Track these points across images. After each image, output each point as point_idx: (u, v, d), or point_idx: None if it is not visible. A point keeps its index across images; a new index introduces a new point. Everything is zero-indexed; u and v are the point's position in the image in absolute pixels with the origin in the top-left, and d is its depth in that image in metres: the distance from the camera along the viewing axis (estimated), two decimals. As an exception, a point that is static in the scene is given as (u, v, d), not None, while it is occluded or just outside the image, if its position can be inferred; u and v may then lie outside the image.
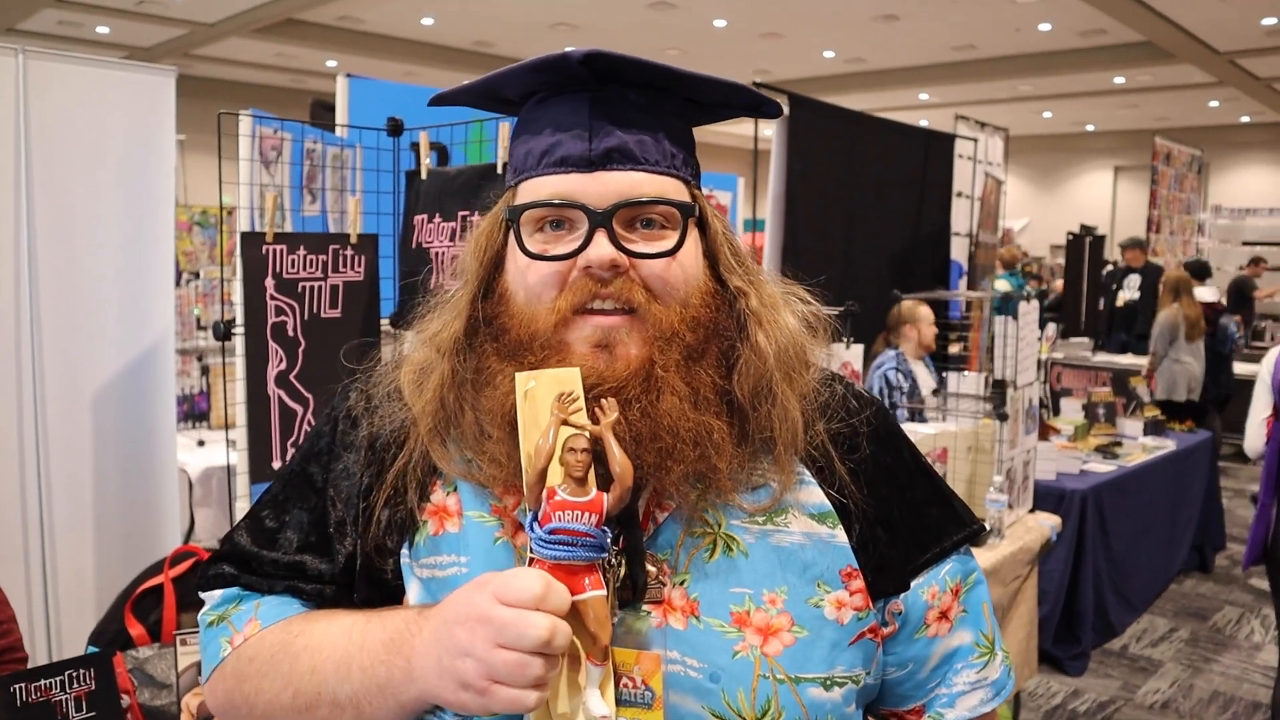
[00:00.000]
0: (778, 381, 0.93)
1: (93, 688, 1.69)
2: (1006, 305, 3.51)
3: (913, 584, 1.00)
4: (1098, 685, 4.21)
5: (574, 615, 0.81)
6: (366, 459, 0.99)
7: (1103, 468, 4.70)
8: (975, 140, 5.59)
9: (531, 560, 0.83)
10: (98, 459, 2.98)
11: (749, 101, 0.98)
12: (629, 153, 0.91)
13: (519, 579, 0.80)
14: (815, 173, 4.20)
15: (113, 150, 2.93)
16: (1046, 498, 4.17)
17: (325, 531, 0.99)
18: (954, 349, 5.11)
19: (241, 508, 2.66)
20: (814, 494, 0.96)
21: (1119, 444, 5.18)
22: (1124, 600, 4.76)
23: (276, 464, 2.14)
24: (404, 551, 0.96)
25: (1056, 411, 5.72)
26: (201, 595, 1.05)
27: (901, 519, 1.00)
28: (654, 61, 0.91)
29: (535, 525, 0.83)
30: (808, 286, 1.03)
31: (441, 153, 2.92)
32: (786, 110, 4.08)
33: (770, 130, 4.15)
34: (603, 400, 0.86)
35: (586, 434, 0.83)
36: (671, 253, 0.91)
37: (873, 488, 0.98)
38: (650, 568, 0.89)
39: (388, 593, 0.96)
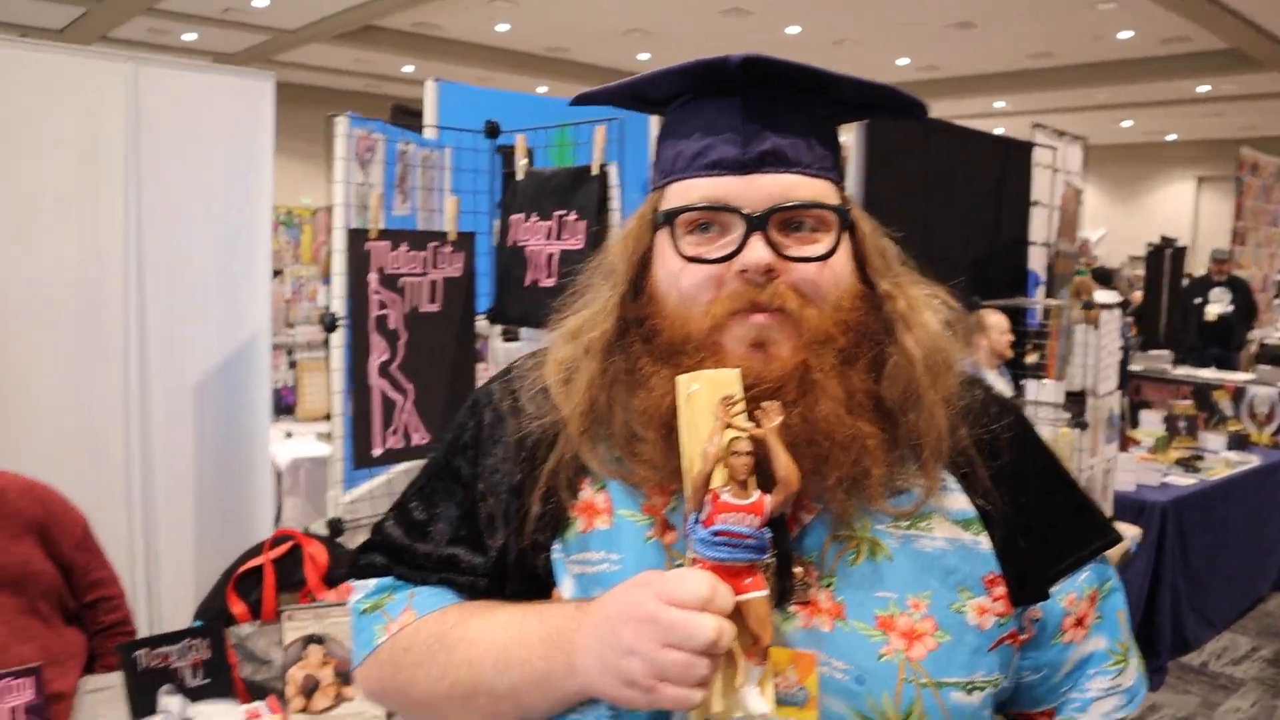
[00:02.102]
0: (924, 386, 0.93)
1: (207, 656, 1.78)
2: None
3: (1052, 590, 0.99)
4: (1176, 701, 4.14)
5: (735, 615, 0.81)
6: (517, 456, 1.00)
7: (1184, 481, 4.62)
8: (1054, 149, 5.53)
9: (694, 560, 0.84)
10: (197, 446, 3.10)
11: (896, 102, 0.97)
12: (782, 156, 0.92)
13: (686, 580, 0.82)
14: (893, 179, 4.21)
15: (215, 151, 3.06)
16: (1126, 509, 4.12)
17: (475, 526, 1.02)
18: (1031, 358, 5.07)
19: (333, 496, 2.76)
20: (958, 500, 0.96)
21: (1200, 457, 5.08)
22: (1202, 617, 4.66)
23: (377, 450, 2.22)
24: (555, 547, 0.97)
25: (1136, 424, 5.62)
26: (352, 583, 1.08)
27: (1042, 526, 0.99)
28: (807, 65, 0.91)
29: (698, 526, 0.83)
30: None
31: (530, 154, 3.00)
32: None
33: (848, 136, 4.16)
34: (764, 403, 0.86)
35: (750, 437, 0.84)
36: (825, 257, 0.92)
37: (1014, 495, 0.98)
38: (797, 570, 0.91)
39: (539, 586, 0.97)
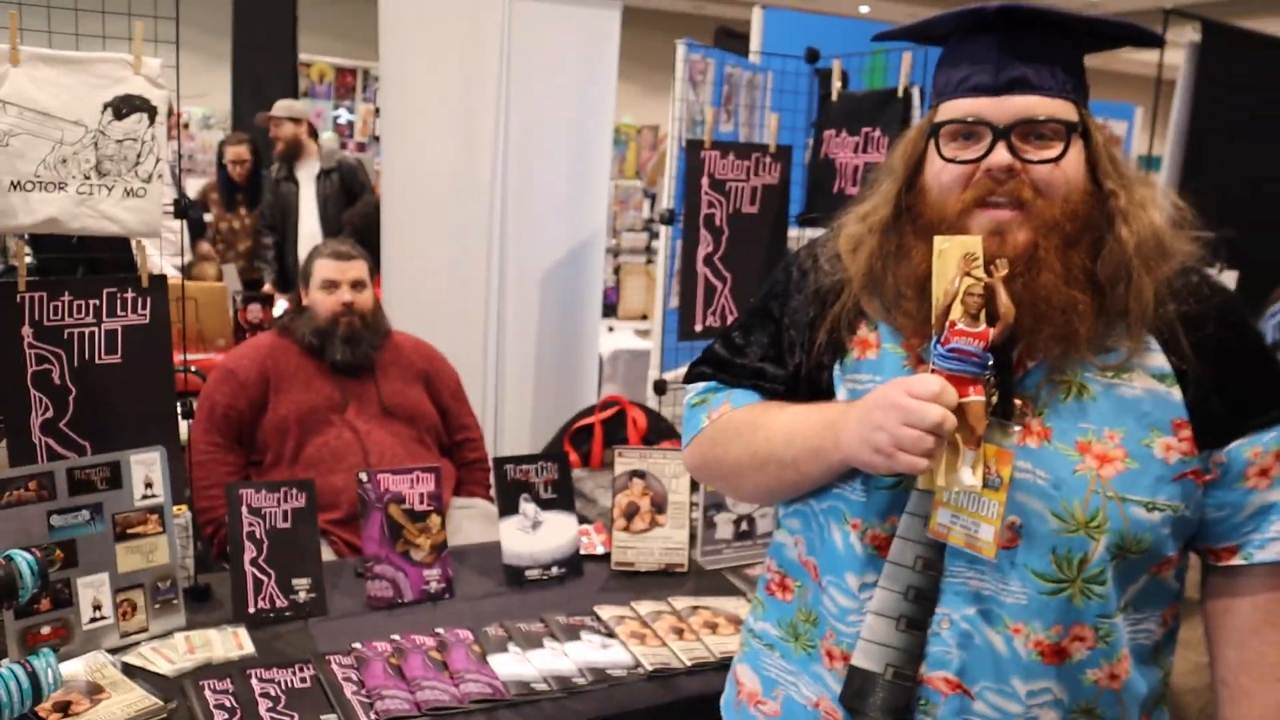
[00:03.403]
0: (1136, 267, 1.16)
1: (555, 478, 2.26)
2: None
3: (1237, 442, 1.19)
4: None
5: (959, 412, 1.10)
6: (813, 301, 1.32)
7: None
8: None
9: (933, 370, 1.12)
10: (540, 327, 3.66)
11: (1133, 35, 1.22)
12: (1027, 81, 1.16)
13: (925, 380, 1.10)
14: (1224, 104, 4.03)
15: (569, 72, 3.53)
16: None
17: (780, 349, 1.35)
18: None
19: (652, 375, 3.21)
20: (1158, 359, 1.19)
21: None
22: None
23: (698, 326, 2.63)
24: (836, 367, 1.29)
25: None
26: (685, 386, 1.48)
27: (1234, 389, 1.20)
28: (1051, 9, 1.16)
29: (938, 346, 1.12)
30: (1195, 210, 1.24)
31: (844, 77, 3.25)
32: (1198, 37, 3.95)
33: (1178, 57, 4.03)
34: (996, 260, 1.12)
35: (983, 284, 1.12)
36: (1056, 160, 1.15)
37: (1211, 361, 1.19)
38: (1017, 401, 1.18)
39: (821, 395, 1.30)
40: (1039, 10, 1.17)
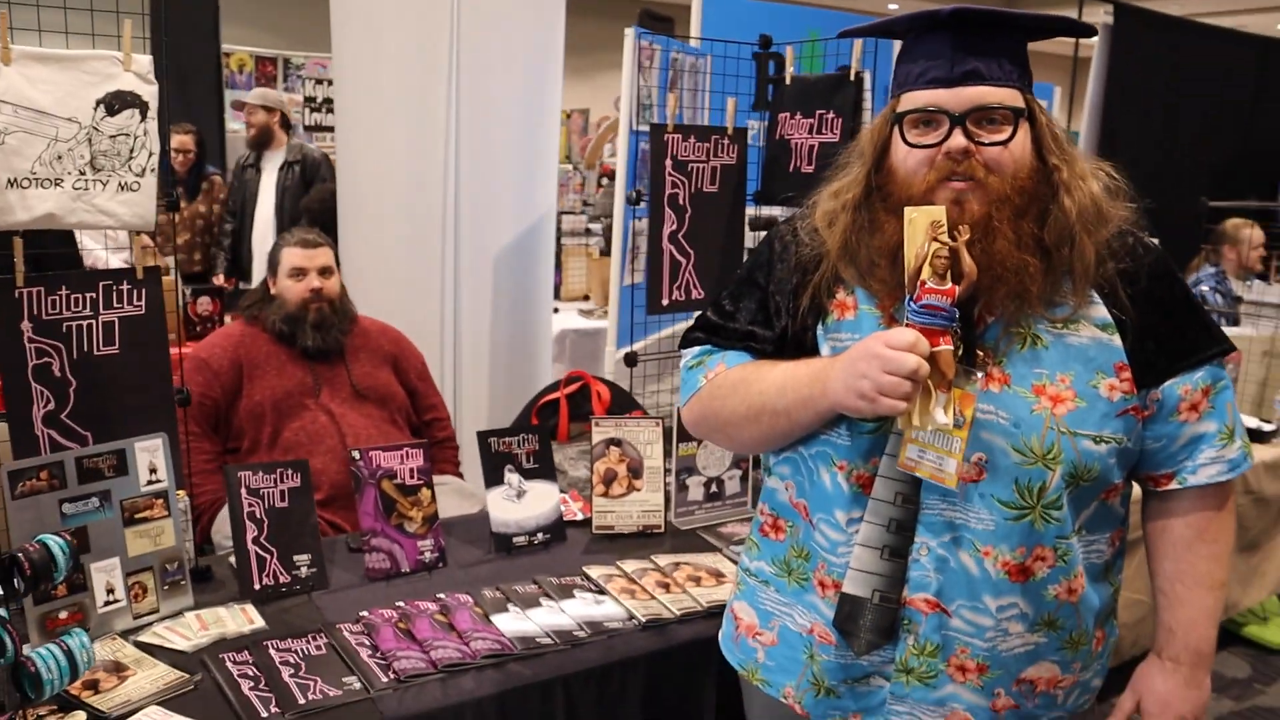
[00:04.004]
0: (1078, 231, 1.34)
1: (536, 448, 2.37)
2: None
3: (1170, 381, 1.38)
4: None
5: (931, 360, 1.26)
6: (795, 270, 1.48)
7: None
8: (1321, 46, 5.32)
9: (907, 324, 1.28)
10: (495, 309, 3.75)
11: (1068, 27, 1.39)
12: (978, 73, 1.32)
13: (900, 333, 1.26)
14: (1136, 82, 4.29)
15: (516, 59, 3.61)
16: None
17: (767, 313, 1.51)
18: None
19: (607, 352, 3.33)
20: (1100, 311, 1.37)
21: None
22: None
23: (665, 301, 2.76)
24: (819, 328, 1.46)
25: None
26: (681, 351, 1.63)
27: (1167, 335, 1.38)
28: (995, 10, 1.33)
29: (911, 302, 1.28)
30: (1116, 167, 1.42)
31: (779, 62, 3.40)
32: (1111, 20, 4.19)
33: (1095, 39, 4.27)
34: (960, 227, 1.29)
35: (948, 247, 1.28)
36: (1005, 143, 1.32)
37: (1145, 311, 1.37)
38: (979, 353, 1.35)
39: (806, 353, 1.45)
40: (987, 11, 1.34)
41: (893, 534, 1.39)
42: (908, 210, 1.31)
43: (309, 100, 7.14)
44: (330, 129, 7.18)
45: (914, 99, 1.36)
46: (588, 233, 5.76)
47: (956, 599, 1.37)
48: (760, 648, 1.57)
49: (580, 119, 8.66)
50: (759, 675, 1.57)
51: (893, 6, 15.40)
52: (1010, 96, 1.34)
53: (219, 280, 5.17)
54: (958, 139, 1.32)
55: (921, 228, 1.29)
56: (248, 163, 5.35)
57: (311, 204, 4.60)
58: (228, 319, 4.14)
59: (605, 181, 8.78)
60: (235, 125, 7.19)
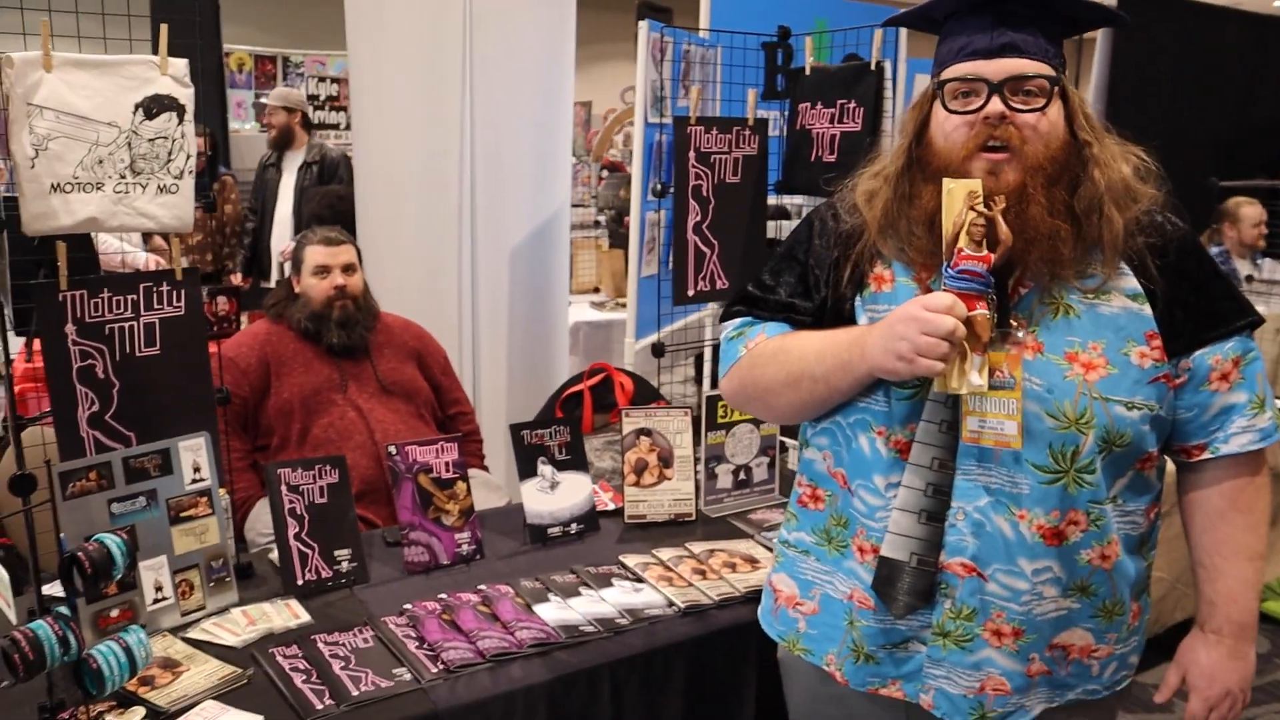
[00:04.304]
0: (1107, 204, 1.38)
1: (568, 440, 2.40)
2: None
3: (1201, 350, 1.42)
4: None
5: (967, 324, 1.31)
6: (835, 244, 1.54)
7: None
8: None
9: (944, 289, 1.33)
10: (512, 304, 3.77)
11: (1103, 17, 1.45)
12: (1016, 46, 1.37)
13: (938, 297, 1.31)
14: (1140, 63, 4.31)
15: (529, 55, 3.63)
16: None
17: (807, 286, 1.56)
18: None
19: (626, 343, 3.36)
20: (1130, 282, 1.41)
21: None
22: None
23: (691, 291, 2.79)
24: (857, 299, 1.51)
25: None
26: (722, 324, 1.68)
27: (1196, 306, 1.42)
28: None
29: (948, 269, 1.33)
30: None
31: (790, 52, 3.41)
32: (1114, 2, 4.21)
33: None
34: (995, 197, 1.34)
35: (984, 216, 1.33)
36: (1041, 110, 1.37)
37: (1174, 282, 1.41)
38: (1014, 321, 1.39)
39: (844, 324, 1.51)
40: None
41: (930, 498, 1.43)
42: (946, 181, 1.36)
43: (312, 98, 7.14)
44: (334, 126, 7.19)
45: (954, 70, 1.42)
46: (597, 225, 5.78)
47: (993, 563, 1.41)
48: (801, 617, 1.62)
49: (583, 111, 8.66)
50: (800, 645, 1.61)
51: (887, -7, 15.40)
52: (1046, 70, 1.39)
53: (235, 279, 5.21)
54: (995, 104, 1.37)
55: (959, 197, 1.34)
56: (269, 162, 5.41)
57: (320, 210, 4.61)
58: (244, 318, 4.16)
59: (605, 174, 8.80)
60: (236, 125, 7.20)
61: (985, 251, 1.32)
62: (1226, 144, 4.99)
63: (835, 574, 1.55)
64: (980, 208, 1.32)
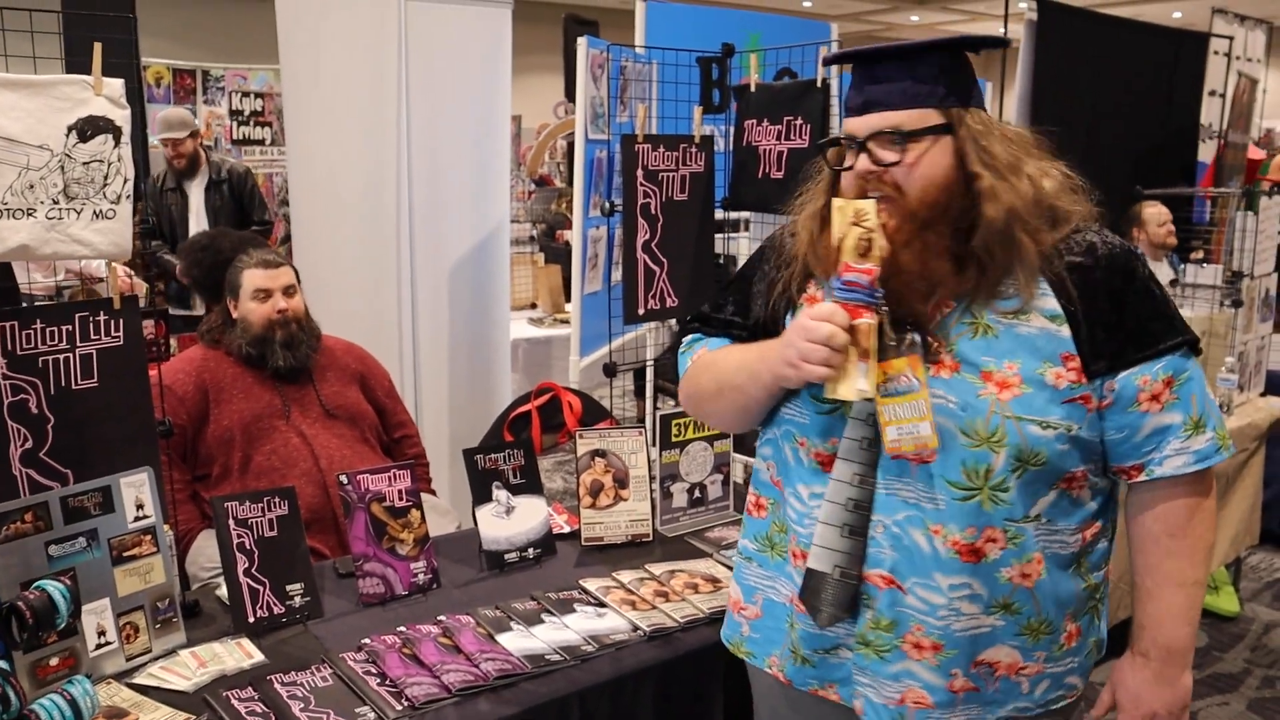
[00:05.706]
0: (1015, 232, 1.38)
1: (523, 463, 2.36)
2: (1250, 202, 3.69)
3: (1127, 371, 1.40)
4: (1325, 570, 4.40)
5: (852, 332, 1.34)
6: (775, 268, 1.61)
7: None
8: (1230, 39, 5.55)
9: (831, 300, 1.38)
10: (452, 322, 3.72)
11: (972, 45, 1.45)
12: (879, 101, 1.42)
13: (821, 306, 1.38)
14: (1060, 75, 4.42)
15: (465, 72, 3.58)
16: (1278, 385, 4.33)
17: (747, 305, 1.65)
18: (1197, 255, 5.17)
19: (571, 361, 3.32)
20: (1050, 303, 1.40)
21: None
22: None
23: (641, 310, 2.76)
24: (788, 317, 1.57)
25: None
26: (682, 339, 1.75)
27: (1121, 325, 1.40)
28: (897, 45, 1.42)
29: (835, 280, 1.38)
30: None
31: (724, 67, 3.43)
32: (1035, 16, 4.32)
33: (1020, 27, 4.39)
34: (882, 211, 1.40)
35: (867, 230, 1.37)
36: (898, 163, 1.39)
37: (1097, 302, 1.40)
38: (933, 341, 1.41)
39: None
40: (881, 49, 1.44)
41: (851, 512, 1.47)
42: (835, 200, 1.42)
43: (235, 114, 6.96)
44: (259, 142, 7.02)
45: (844, 126, 1.49)
46: (532, 240, 5.73)
47: (910, 576, 1.43)
48: (745, 621, 1.67)
49: (513, 125, 8.60)
50: (744, 648, 1.68)
51: (806, 4, 15.64)
52: (914, 118, 1.40)
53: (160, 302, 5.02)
54: (863, 162, 1.42)
55: (847, 214, 1.39)
56: (167, 186, 5.12)
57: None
58: (174, 342, 4.03)
59: (534, 187, 8.74)
60: (155, 140, 6.99)
61: (869, 265, 1.37)
62: (1148, 153, 5.13)
63: (778, 579, 1.61)
64: (866, 224, 1.37)
